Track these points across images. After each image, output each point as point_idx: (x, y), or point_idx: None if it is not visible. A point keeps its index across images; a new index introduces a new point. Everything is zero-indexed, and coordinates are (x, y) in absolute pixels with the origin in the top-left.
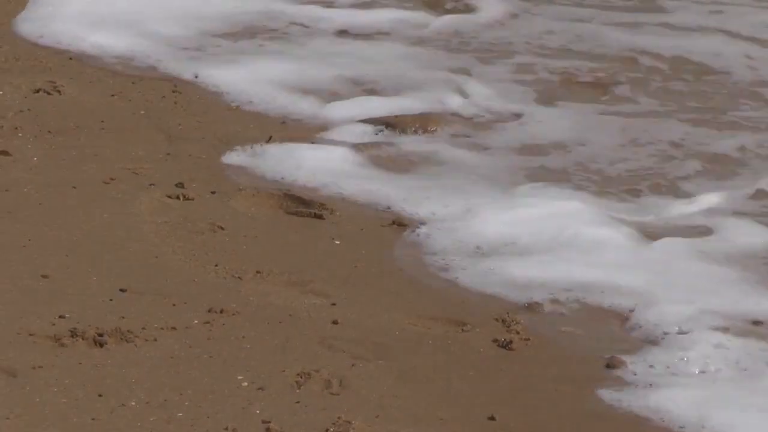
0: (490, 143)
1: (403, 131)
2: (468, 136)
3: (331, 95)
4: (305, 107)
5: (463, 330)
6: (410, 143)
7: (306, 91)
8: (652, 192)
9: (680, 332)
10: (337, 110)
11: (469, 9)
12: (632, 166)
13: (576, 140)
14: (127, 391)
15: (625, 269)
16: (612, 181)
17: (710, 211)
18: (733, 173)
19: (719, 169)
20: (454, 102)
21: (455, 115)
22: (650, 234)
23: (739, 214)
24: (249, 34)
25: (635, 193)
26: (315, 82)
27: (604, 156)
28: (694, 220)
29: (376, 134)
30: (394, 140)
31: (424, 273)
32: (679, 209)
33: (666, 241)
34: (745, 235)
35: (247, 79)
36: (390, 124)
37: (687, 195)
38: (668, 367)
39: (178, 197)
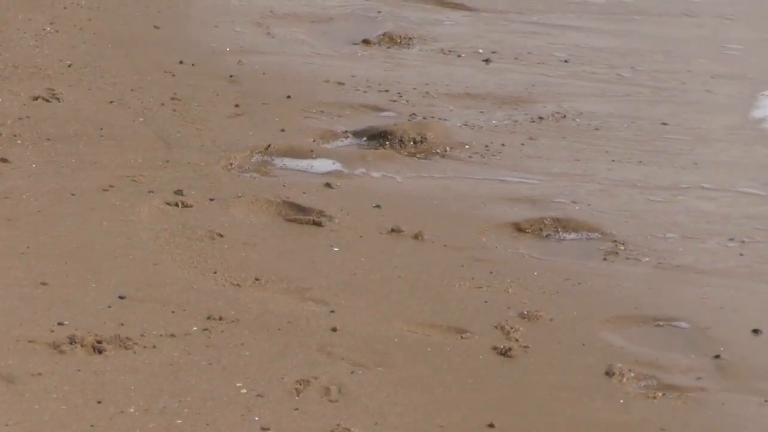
0: None
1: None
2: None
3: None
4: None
5: (462, 337)
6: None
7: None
8: None
9: None
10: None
11: None
12: None
13: None
14: (126, 398)
15: None
16: None
17: None
18: None
19: None
20: None
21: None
22: None
23: None
24: None
25: None
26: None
27: None
28: None
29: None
30: (392, 148)
31: (423, 280)
32: None
33: None
34: None
35: None
36: (388, 132)
37: None
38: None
39: (177, 204)
